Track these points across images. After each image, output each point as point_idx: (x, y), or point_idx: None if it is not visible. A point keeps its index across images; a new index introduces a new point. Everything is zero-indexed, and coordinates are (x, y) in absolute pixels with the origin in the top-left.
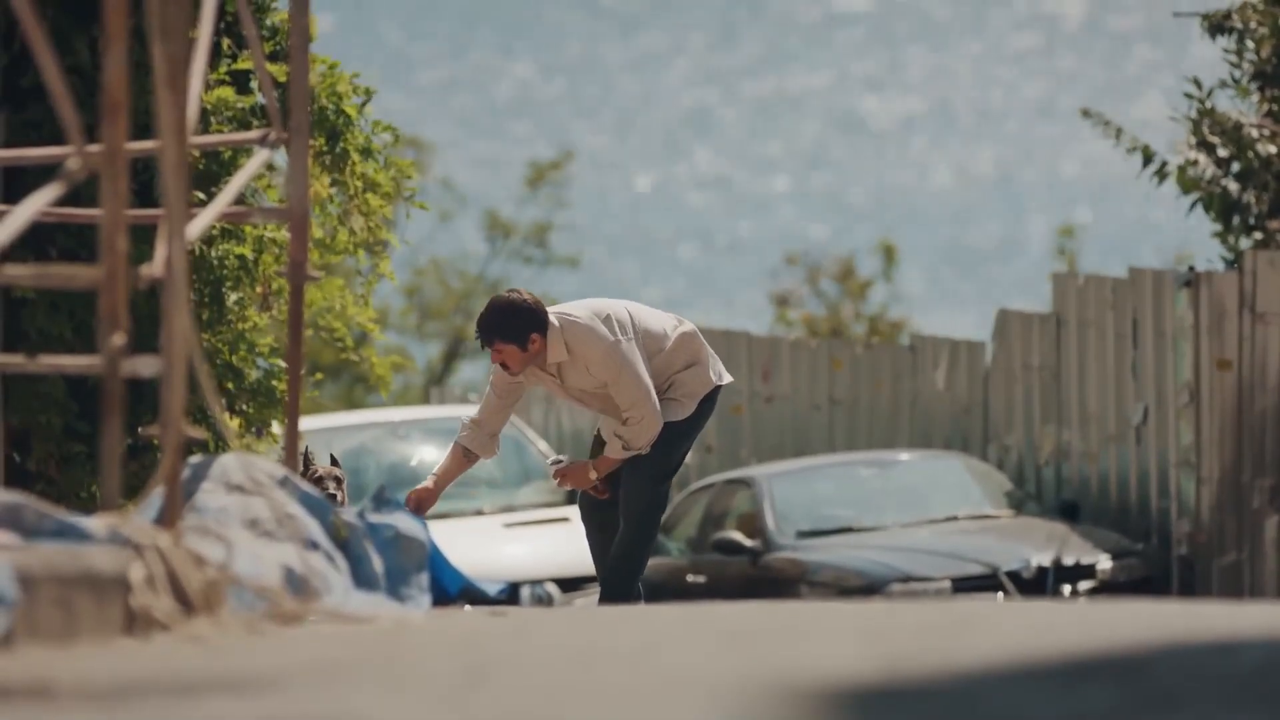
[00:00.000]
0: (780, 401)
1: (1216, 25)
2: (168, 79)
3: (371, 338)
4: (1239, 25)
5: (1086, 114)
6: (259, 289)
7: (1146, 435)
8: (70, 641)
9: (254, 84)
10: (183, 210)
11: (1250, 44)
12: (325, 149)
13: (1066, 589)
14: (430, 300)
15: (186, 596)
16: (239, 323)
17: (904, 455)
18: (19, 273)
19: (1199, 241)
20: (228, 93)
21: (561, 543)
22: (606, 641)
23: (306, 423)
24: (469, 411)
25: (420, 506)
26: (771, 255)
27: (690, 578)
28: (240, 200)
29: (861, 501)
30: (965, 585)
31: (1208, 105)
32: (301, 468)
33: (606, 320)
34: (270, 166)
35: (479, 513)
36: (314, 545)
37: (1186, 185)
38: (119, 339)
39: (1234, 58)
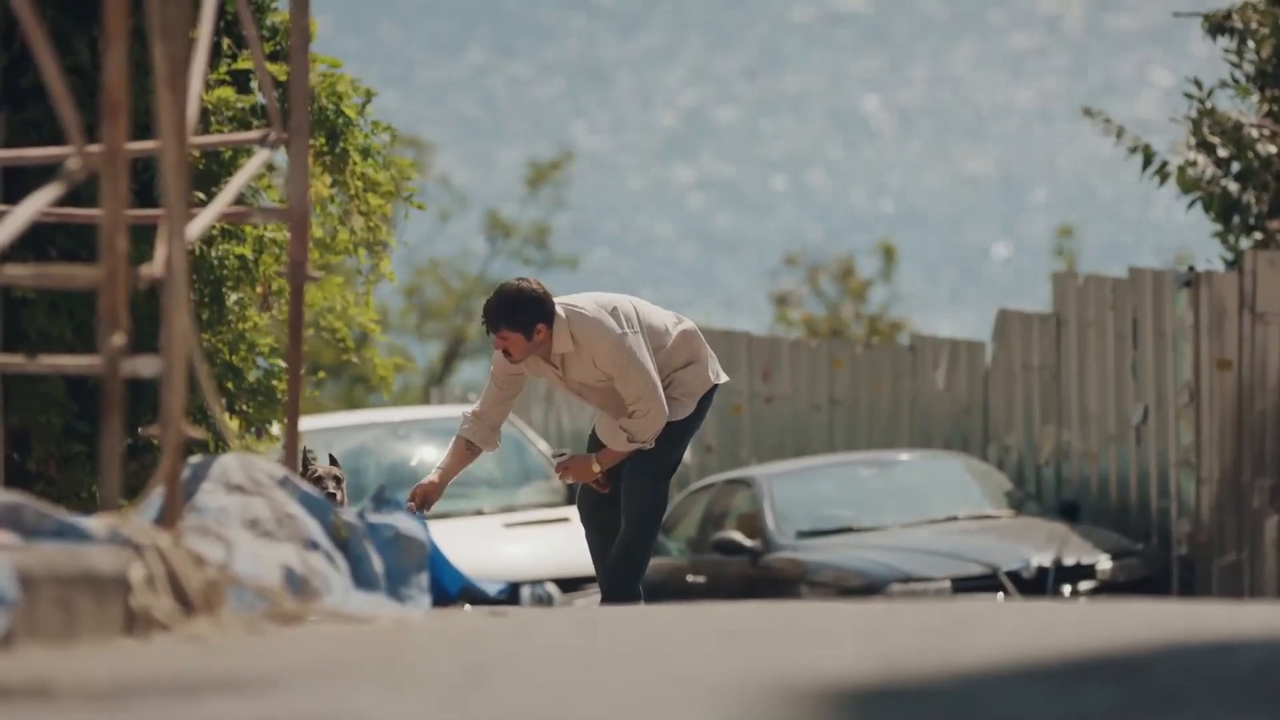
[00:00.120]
0: (780, 401)
1: (1217, 25)
2: (168, 79)
3: (373, 338)
4: (1239, 25)
5: (1088, 113)
6: (259, 289)
7: (1146, 435)
8: (70, 641)
9: (254, 84)
10: (183, 210)
11: (1251, 44)
12: (325, 149)
13: (1066, 589)
14: (430, 300)
15: (186, 596)
16: (239, 323)
17: (904, 455)
18: (19, 273)
19: (1199, 242)
20: (228, 93)
21: (561, 543)
22: (606, 641)
23: (306, 423)
24: (470, 410)
25: (426, 501)
26: (771, 255)
27: (690, 578)
28: (240, 200)
29: (861, 501)
30: (965, 585)
31: (1208, 105)
32: (300, 468)
33: (613, 313)
34: (270, 166)
35: (479, 513)
36: (314, 545)
37: (1186, 185)
38: (119, 339)
39: (1234, 58)
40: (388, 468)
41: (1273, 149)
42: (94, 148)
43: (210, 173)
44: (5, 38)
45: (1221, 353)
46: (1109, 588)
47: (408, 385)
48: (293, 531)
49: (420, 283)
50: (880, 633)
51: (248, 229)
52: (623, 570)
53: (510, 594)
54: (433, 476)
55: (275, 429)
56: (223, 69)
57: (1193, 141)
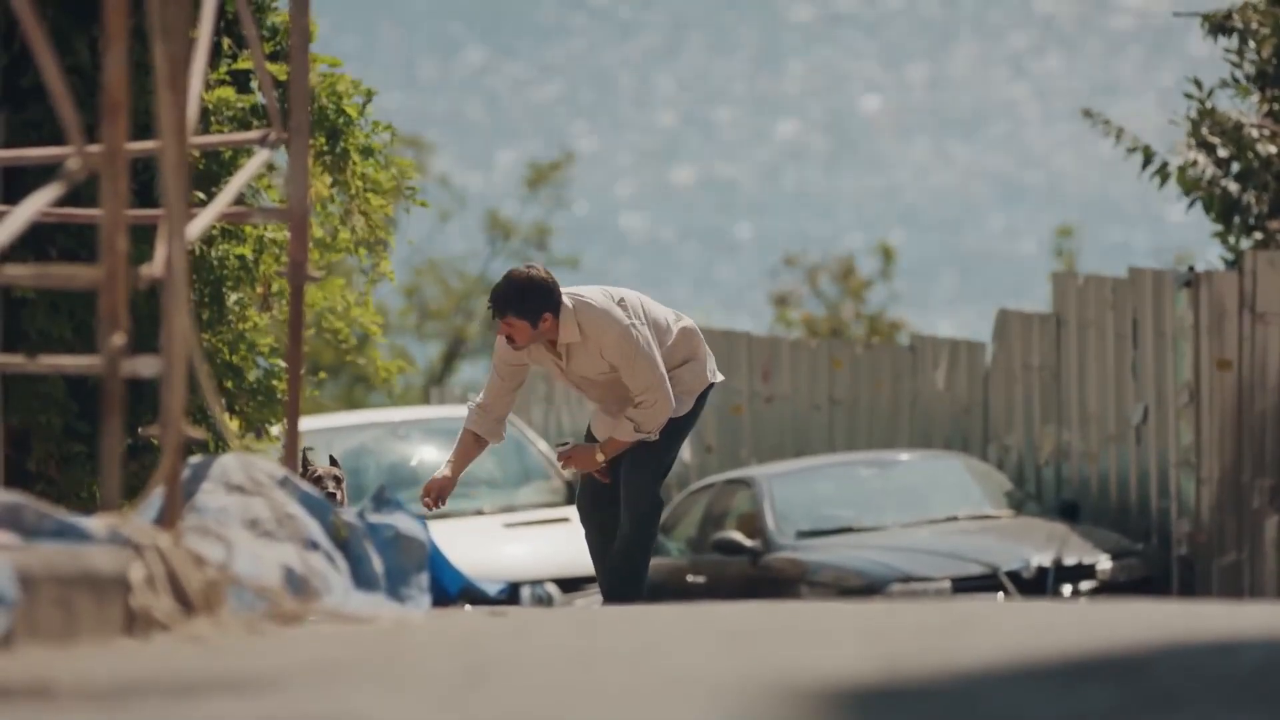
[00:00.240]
0: (780, 401)
1: (1217, 25)
2: (168, 79)
3: (374, 339)
4: (1240, 25)
5: (1087, 114)
6: (259, 289)
7: (1146, 435)
8: (70, 641)
9: (254, 84)
10: (183, 210)
11: (1251, 44)
12: (325, 149)
13: (1066, 589)
14: (430, 300)
15: (186, 596)
16: (239, 323)
17: (904, 455)
18: (19, 273)
19: (1199, 242)
20: (228, 93)
21: (561, 543)
22: (606, 642)
23: (306, 423)
24: (474, 403)
25: (442, 494)
26: (771, 255)
27: (690, 578)
28: (240, 200)
29: (861, 501)
30: (965, 585)
31: (1208, 105)
32: (300, 468)
33: (620, 303)
34: (270, 166)
35: (479, 513)
36: (314, 545)
37: (1187, 185)
38: (119, 339)
39: (1235, 58)
40: (388, 468)
41: (1273, 149)
42: (94, 148)
43: (210, 173)
44: (5, 38)
45: (1221, 353)
46: (1109, 588)
47: (408, 385)
48: (293, 531)
49: (420, 283)
50: (880, 633)
51: (248, 229)
52: (623, 569)
53: (510, 594)
54: (445, 470)
55: (275, 429)
56: (223, 69)
57: (1192, 142)
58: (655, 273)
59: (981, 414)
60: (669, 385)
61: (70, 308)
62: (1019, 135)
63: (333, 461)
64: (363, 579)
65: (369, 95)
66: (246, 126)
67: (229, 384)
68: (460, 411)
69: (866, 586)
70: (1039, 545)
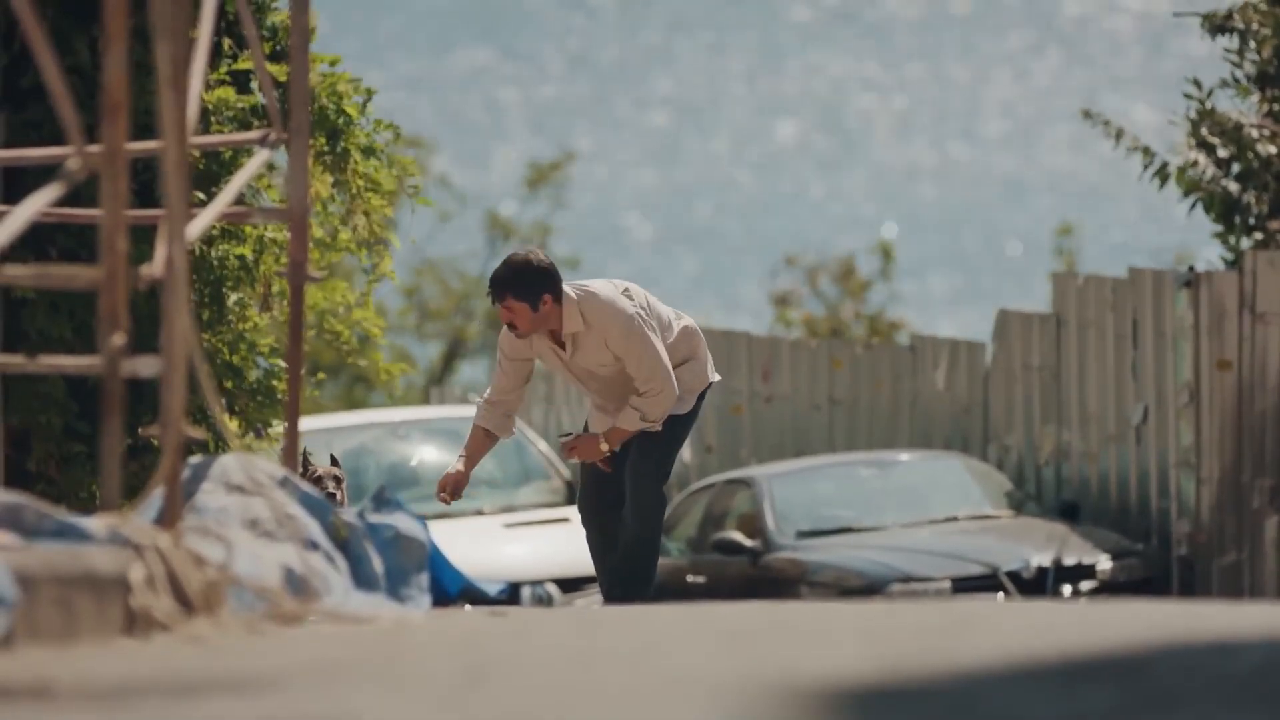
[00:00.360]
0: (780, 401)
1: (1217, 25)
2: (170, 79)
3: (375, 341)
4: (1240, 25)
5: (1087, 114)
6: (259, 289)
7: (1146, 435)
8: (70, 641)
9: (254, 84)
10: (183, 210)
11: (1251, 44)
12: (326, 149)
13: (1066, 589)
14: (430, 300)
15: (186, 597)
16: (239, 323)
17: (904, 455)
18: (19, 273)
19: (1199, 242)
20: (228, 93)
21: (561, 543)
22: (606, 641)
23: (306, 423)
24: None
25: (457, 489)
26: (771, 255)
27: (690, 578)
28: (240, 200)
29: (861, 502)
30: (965, 585)
31: (1208, 105)
32: (300, 468)
33: (625, 293)
34: (270, 166)
35: (479, 513)
36: (314, 545)
37: (1187, 186)
38: (119, 339)
39: (1235, 58)
40: (388, 468)
41: (1273, 149)
42: (94, 148)
43: (210, 173)
44: (5, 38)
45: (1221, 353)
46: (1109, 588)
47: (409, 386)
48: (293, 532)
49: (420, 283)
50: (880, 633)
51: (248, 229)
52: (628, 570)
53: (510, 594)
54: (458, 465)
55: (274, 429)
56: (223, 69)
57: (1192, 142)
58: (655, 273)
59: (981, 414)
60: (673, 373)
61: (70, 308)
62: (1019, 135)
63: (333, 461)
64: (363, 579)
65: (369, 95)
66: (246, 126)
67: (229, 384)
68: (460, 411)
69: (866, 586)
70: (1039, 545)
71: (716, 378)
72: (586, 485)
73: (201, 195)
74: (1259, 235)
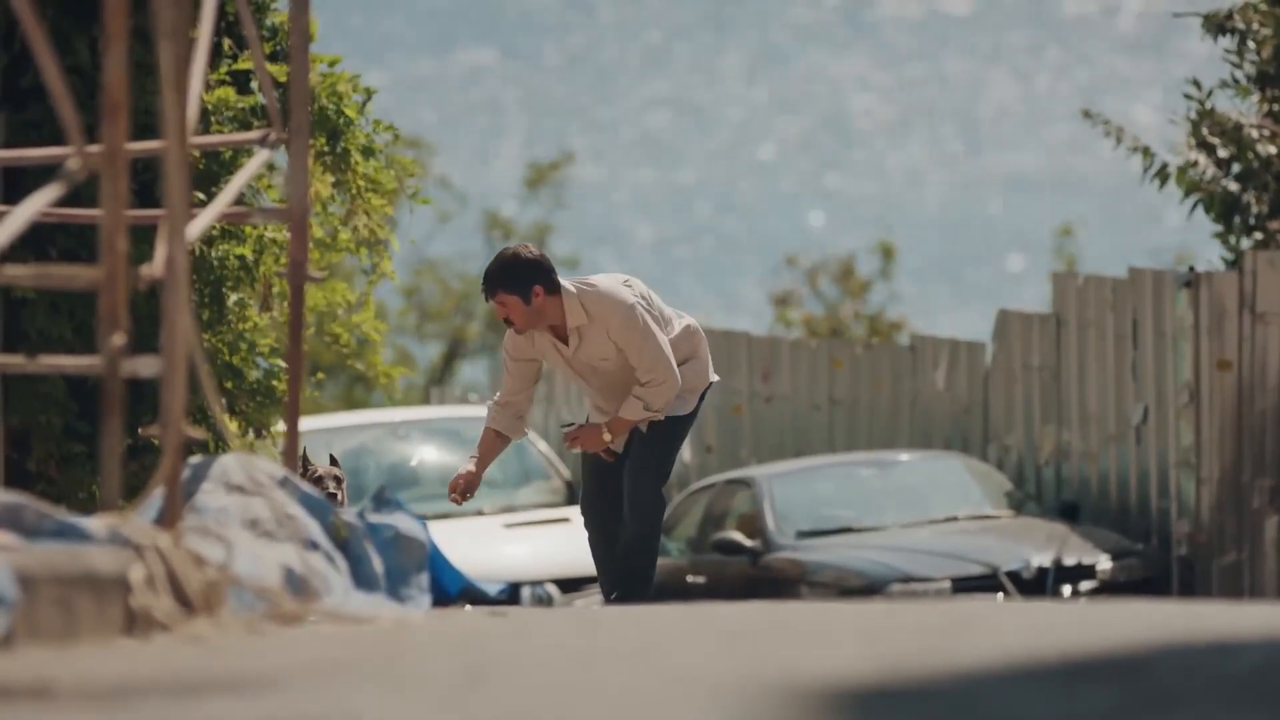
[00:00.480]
0: (780, 401)
1: (1217, 25)
2: (173, 79)
3: (375, 343)
4: (1240, 26)
5: (1087, 114)
6: (259, 289)
7: (1146, 435)
8: (70, 641)
9: (254, 84)
10: (183, 210)
11: (1251, 44)
12: (326, 149)
13: (1066, 589)
14: (430, 301)
15: (186, 597)
16: (239, 323)
17: (904, 455)
18: (19, 273)
19: (1199, 242)
20: (228, 93)
21: (561, 543)
22: (606, 641)
23: (306, 423)
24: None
25: (469, 489)
26: (771, 255)
27: (690, 578)
28: (240, 200)
29: (861, 502)
30: (965, 585)
31: (1208, 106)
32: (301, 468)
33: (626, 284)
34: (270, 166)
35: (479, 513)
36: (314, 545)
37: (1187, 186)
38: (119, 339)
39: (1235, 58)
40: (388, 468)
41: (1273, 149)
42: (94, 148)
43: (210, 173)
44: (5, 38)
45: (1221, 353)
46: (1109, 588)
47: (409, 386)
48: (293, 532)
49: (420, 283)
50: (880, 633)
51: (248, 229)
52: (628, 570)
53: (510, 594)
54: (470, 466)
55: (275, 429)
56: (223, 69)
57: (1193, 142)
58: (655, 273)
59: (981, 414)
60: (675, 362)
61: (70, 308)
62: (1019, 135)
63: (333, 461)
64: (363, 579)
65: (369, 95)
66: (246, 126)
67: (229, 384)
68: (460, 411)
69: (866, 586)
70: (1039, 545)
71: (716, 378)
72: (589, 486)
73: (201, 195)
74: (1259, 235)
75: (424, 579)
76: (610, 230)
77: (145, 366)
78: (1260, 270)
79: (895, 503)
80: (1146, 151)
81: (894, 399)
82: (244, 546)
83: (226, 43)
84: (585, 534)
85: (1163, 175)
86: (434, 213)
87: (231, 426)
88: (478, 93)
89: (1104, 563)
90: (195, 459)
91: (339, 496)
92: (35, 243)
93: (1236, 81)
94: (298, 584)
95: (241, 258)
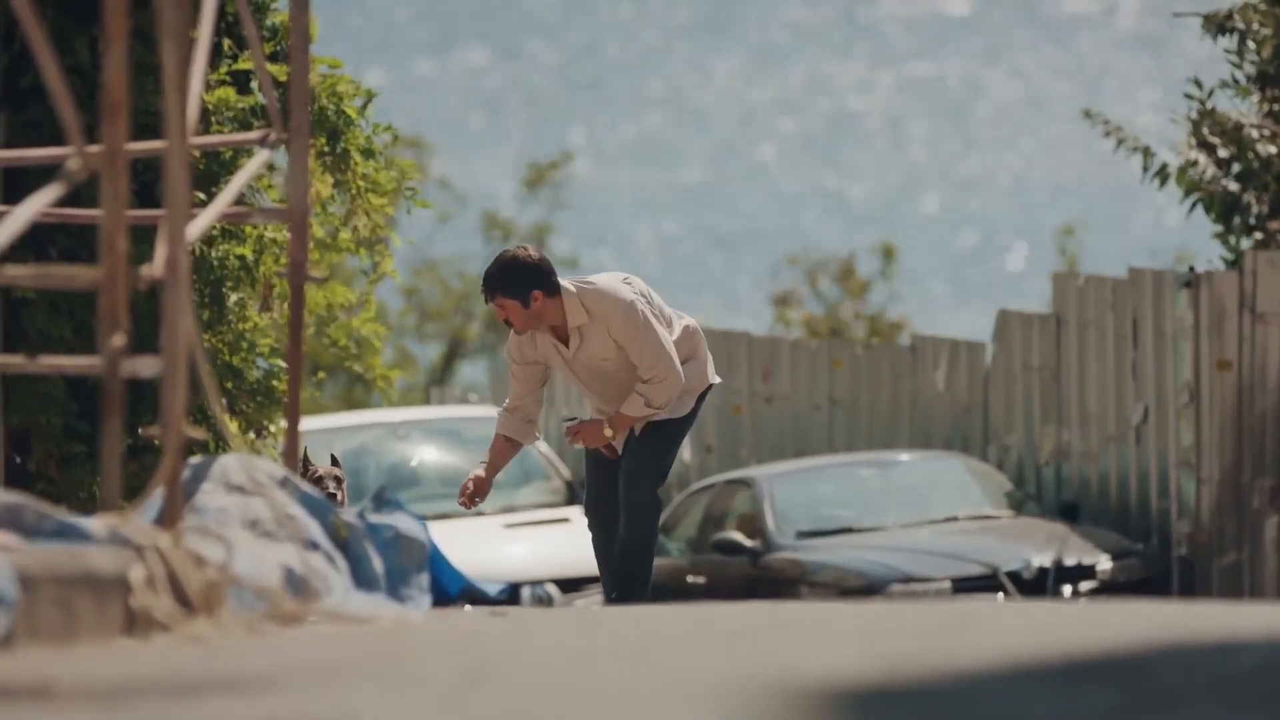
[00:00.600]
0: (780, 401)
1: (1217, 25)
2: (175, 80)
3: (376, 344)
4: (1240, 26)
5: (1087, 114)
6: (259, 289)
7: (1146, 435)
8: (70, 641)
9: (254, 84)
10: (184, 210)
11: (1251, 44)
12: (326, 149)
13: (1066, 589)
14: (430, 301)
15: (186, 597)
16: (239, 323)
17: (904, 456)
18: (19, 273)
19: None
20: (228, 93)
21: (561, 543)
22: (606, 641)
23: (306, 423)
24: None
25: (479, 492)
26: (771, 255)
27: (690, 578)
28: (240, 200)
29: (861, 502)
30: (965, 585)
31: (1208, 105)
32: (301, 468)
33: (626, 281)
34: (270, 166)
35: (479, 513)
36: (314, 545)
37: (1187, 186)
38: (119, 339)
39: (1235, 58)
40: (388, 468)
41: (1273, 149)
42: (94, 148)
43: (210, 173)
44: (5, 38)
45: (1221, 353)
46: (1109, 588)
47: (410, 386)
48: (293, 532)
49: (420, 283)
50: (880, 633)
51: (248, 229)
52: (625, 570)
53: (510, 594)
54: (480, 470)
55: (274, 429)
56: (223, 69)
57: (1193, 142)
58: (655, 273)
59: (981, 414)
60: (677, 359)
61: (70, 308)
62: (1019, 135)
63: (333, 461)
64: (363, 579)
65: (369, 96)
66: (246, 127)
67: (229, 384)
68: (460, 411)
69: (866, 587)
70: (1039, 545)
71: (717, 380)
72: (592, 488)
73: (201, 195)
74: (1259, 235)
75: (424, 579)
76: (610, 230)
77: (145, 366)
78: (1260, 270)
79: (895, 503)
80: (1147, 151)
81: (894, 399)
82: (244, 546)
83: (227, 43)
84: (587, 534)
85: (1163, 175)
86: (434, 213)
87: (232, 426)
88: (478, 93)
89: (1104, 563)
90: (195, 459)
91: (339, 496)
92: (35, 243)
93: (1236, 81)
94: (298, 584)
95: (242, 258)
